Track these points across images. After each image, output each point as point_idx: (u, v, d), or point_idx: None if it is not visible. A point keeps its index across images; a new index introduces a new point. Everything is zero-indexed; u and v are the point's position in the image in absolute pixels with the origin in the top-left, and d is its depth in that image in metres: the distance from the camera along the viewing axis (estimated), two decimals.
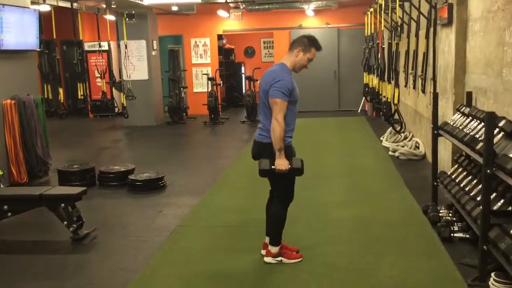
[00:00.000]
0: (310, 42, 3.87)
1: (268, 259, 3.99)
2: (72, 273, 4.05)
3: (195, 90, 14.17)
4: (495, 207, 3.52)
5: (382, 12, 8.75)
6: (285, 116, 3.73)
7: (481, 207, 3.52)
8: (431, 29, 6.61)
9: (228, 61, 15.53)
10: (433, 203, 5.00)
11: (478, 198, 3.84)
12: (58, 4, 9.09)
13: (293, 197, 4.02)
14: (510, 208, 3.46)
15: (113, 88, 11.50)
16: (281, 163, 3.71)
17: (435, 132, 4.95)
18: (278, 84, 3.70)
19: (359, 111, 13.60)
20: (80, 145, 10.00)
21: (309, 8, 13.04)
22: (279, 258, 3.98)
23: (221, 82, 13.87)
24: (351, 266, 3.94)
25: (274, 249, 3.98)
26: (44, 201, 4.68)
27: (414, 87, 8.16)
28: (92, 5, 10.54)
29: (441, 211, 4.78)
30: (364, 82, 11.53)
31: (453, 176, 4.66)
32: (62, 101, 9.71)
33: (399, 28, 8.70)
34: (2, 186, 6.23)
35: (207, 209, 5.59)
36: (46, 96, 8.85)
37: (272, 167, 3.72)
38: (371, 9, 10.44)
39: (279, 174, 3.76)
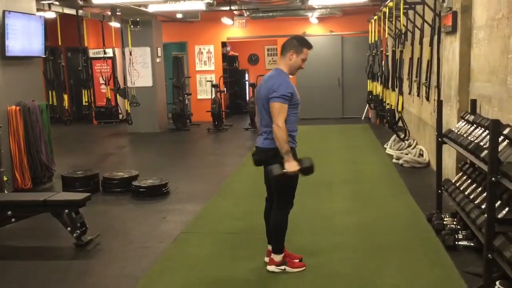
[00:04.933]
0: (300, 43, 3.88)
1: (271, 268, 3.97)
2: (75, 279, 4.05)
3: (199, 97, 14.20)
4: (500, 215, 3.50)
5: (386, 19, 8.77)
6: (287, 121, 3.75)
7: (485, 215, 3.50)
8: (435, 37, 6.61)
9: (232, 68, 15.57)
10: (437, 211, 4.98)
11: (483, 206, 3.82)
12: (63, 11, 9.15)
13: (293, 204, 4.00)
14: None
15: (118, 95, 11.55)
16: (292, 165, 3.70)
17: (440, 139, 4.94)
18: (278, 89, 3.72)
19: (363, 118, 13.60)
20: (84, 151, 10.02)
21: (313, 16, 13.07)
22: (283, 267, 3.96)
23: (225, 89, 13.90)
24: (355, 274, 3.93)
25: (277, 258, 3.97)
26: (48, 207, 4.68)
27: (418, 95, 8.15)
28: (97, 12, 10.62)
29: (445, 219, 4.76)
30: (368, 90, 11.53)
31: (457, 184, 4.64)
32: (66, 108, 9.77)
33: (403, 36, 8.69)
34: (6, 191, 6.24)
35: (210, 216, 5.58)
36: (50, 103, 8.91)
37: (284, 171, 3.69)
38: (375, 17, 10.46)
39: (286, 180, 3.76)
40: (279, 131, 3.67)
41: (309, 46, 3.91)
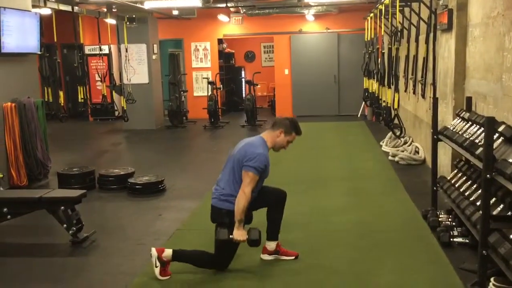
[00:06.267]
0: (291, 126, 3.96)
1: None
2: (71, 276, 4.05)
3: (195, 94, 14.19)
4: (494, 212, 3.52)
5: (382, 17, 8.78)
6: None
7: (480, 212, 3.52)
8: (431, 35, 6.62)
9: (228, 65, 15.55)
10: (433, 208, 5.00)
11: (478, 203, 3.84)
12: (59, 7, 9.11)
13: (226, 266, 3.93)
14: (509, 213, 3.46)
15: (113, 92, 11.52)
16: (240, 234, 3.73)
17: (435, 137, 4.96)
18: (255, 159, 3.74)
19: (359, 115, 13.61)
20: (80, 148, 10.00)
21: (309, 13, 13.07)
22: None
23: (221, 86, 13.89)
24: (350, 271, 3.94)
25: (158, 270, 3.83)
26: (44, 204, 4.68)
27: (414, 92, 8.17)
28: (93, 9, 10.57)
29: (440, 216, 4.78)
30: (364, 87, 11.54)
31: (452, 181, 4.66)
32: (62, 104, 9.73)
33: (399, 33, 8.71)
34: (1, 188, 6.21)
35: (206, 213, 5.52)
36: (46, 99, 8.87)
37: (230, 236, 3.72)
38: (371, 14, 10.46)
39: (224, 244, 3.78)
40: (244, 199, 3.69)
41: (298, 132, 4.00)
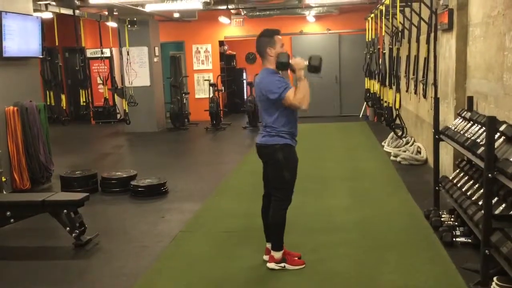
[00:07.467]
0: (267, 35, 3.92)
1: (271, 265, 3.98)
2: (74, 279, 4.06)
3: (196, 96, 14.21)
4: (496, 211, 3.52)
5: (383, 17, 8.79)
6: (286, 120, 3.86)
7: (482, 211, 3.52)
8: (432, 34, 6.63)
9: (229, 67, 15.56)
10: (435, 207, 5.00)
11: (480, 203, 3.84)
12: (60, 11, 9.15)
13: (291, 200, 4.02)
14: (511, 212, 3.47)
15: (115, 95, 11.54)
16: (298, 61, 3.84)
17: (437, 137, 4.96)
18: (272, 88, 3.80)
19: (360, 116, 13.61)
20: (82, 151, 10.02)
21: (310, 14, 13.08)
22: (282, 264, 3.97)
23: (223, 88, 13.90)
24: (353, 271, 3.94)
25: (277, 255, 3.97)
26: (47, 207, 4.69)
27: (415, 92, 8.17)
28: (94, 12, 10.61)
29: (443, 216, 4.78)
30: (366, 87, 11.55)
31: (454, 181, 4.66)
32: (64, 108, 9.76)
33: (400, 34, 8.72)
34: (4, 192, 6.24)
35: (209, 215, 5.59)
36: (48, 103, 8.91)
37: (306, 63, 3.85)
38: (372, 15, 10.48)
39: (286, 173, 3.89)
40: (299, 100, 3.77)
41: (276, 32, 3.94)
